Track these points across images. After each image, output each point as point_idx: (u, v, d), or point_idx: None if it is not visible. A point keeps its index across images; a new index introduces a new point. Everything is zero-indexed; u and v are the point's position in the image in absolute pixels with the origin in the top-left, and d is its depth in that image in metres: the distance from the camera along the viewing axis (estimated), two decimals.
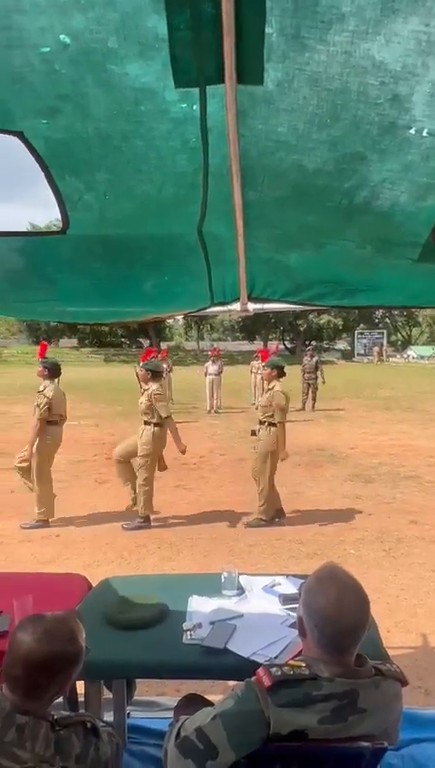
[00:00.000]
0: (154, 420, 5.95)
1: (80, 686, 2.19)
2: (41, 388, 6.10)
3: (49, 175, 1.51)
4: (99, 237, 1.93)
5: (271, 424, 6.02)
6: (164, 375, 15.42)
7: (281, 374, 6.24)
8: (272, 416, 6.00)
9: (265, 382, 6.46)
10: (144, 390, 6.15)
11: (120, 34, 1.08)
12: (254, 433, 6.25)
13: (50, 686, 1.41)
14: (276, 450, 6.02)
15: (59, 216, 1.77)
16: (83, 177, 1.54)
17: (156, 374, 6.25)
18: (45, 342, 7.40)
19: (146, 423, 6.03)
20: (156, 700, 2.98)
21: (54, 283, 2.36)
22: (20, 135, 1.36)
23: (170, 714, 2.12)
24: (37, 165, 1.47)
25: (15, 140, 1.39)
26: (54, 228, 1.86)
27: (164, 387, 14.93)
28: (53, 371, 6.26)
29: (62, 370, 6.47)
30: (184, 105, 1.28)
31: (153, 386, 6.06)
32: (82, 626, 1.52)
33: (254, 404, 14.27)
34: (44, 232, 1.97)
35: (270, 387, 6.17)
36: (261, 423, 6.14)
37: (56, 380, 6.28)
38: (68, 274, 2.28)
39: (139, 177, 1.55)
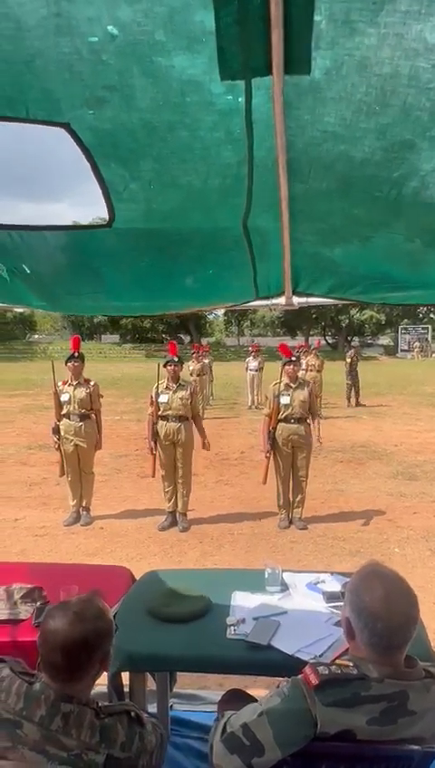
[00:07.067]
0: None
1: (125, 677, 2.22)
2: (90, 381, 6.03)
3: (95, 165, 1.52)
4: (144, 231, 1.93)
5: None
6: (206, 371, 15.55)
7: None
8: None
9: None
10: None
11: (168, 28, 1.08)
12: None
13: (90, 664, 1.45)
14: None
15: (100, 214, 1.79)
16: (129, 165, 1.54)
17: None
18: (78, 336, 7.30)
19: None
20: (198, 693, 2.99)
21: (101, 276, 2.38)
22: (66, 126, 1.37)
23: (213, 707, 2.13)
24: (83, 157, 1.48)
25: (61, 140, 1.41)
26: (100, 222, 1.88)
27: (204, 382, 15.08)
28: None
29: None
30: (230, 97, 1.27)
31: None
32: (105, 603, 1.57)
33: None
34: (91, 225, 1.97)
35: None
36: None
37: None
38: (114, 268, 2.30)
39: (183, 167, 1.55)
